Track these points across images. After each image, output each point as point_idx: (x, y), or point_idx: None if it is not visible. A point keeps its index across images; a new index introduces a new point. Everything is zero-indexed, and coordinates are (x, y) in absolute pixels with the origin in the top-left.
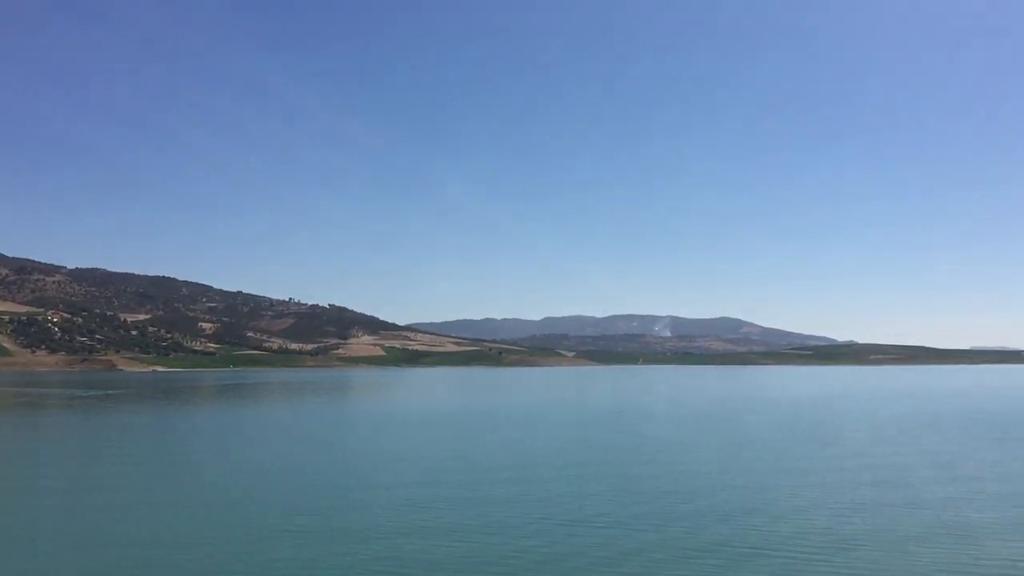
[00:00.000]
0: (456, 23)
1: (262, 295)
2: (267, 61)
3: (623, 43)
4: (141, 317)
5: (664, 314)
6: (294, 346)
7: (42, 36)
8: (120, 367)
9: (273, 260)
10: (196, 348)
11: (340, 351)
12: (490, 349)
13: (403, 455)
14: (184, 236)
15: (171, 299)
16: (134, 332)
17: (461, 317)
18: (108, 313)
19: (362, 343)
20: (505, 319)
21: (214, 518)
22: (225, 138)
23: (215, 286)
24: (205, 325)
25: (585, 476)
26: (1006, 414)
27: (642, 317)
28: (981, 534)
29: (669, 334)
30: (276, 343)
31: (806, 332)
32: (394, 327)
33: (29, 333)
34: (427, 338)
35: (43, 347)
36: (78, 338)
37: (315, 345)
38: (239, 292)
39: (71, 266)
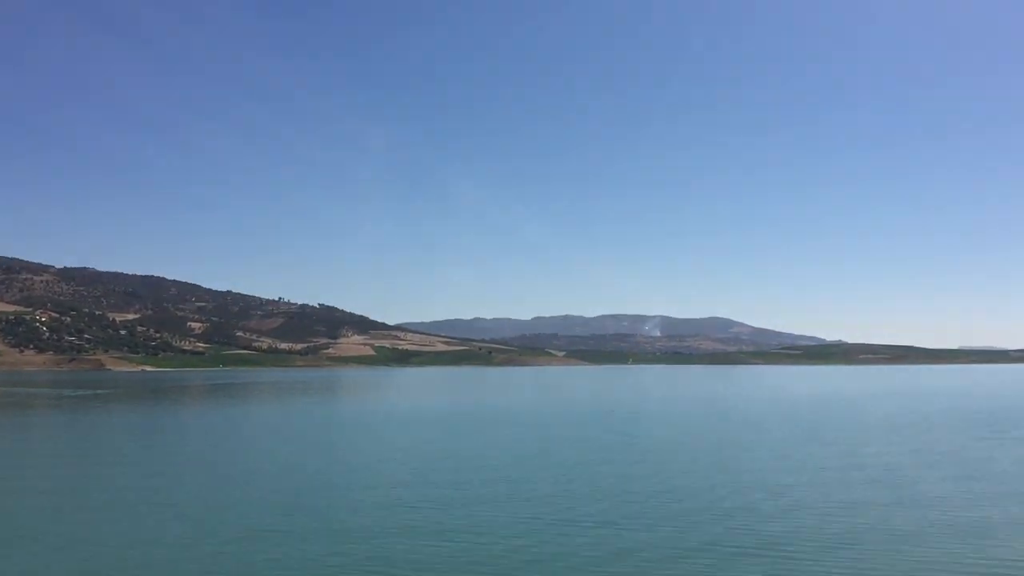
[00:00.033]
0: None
1: (252, 295)
2: (261, 60)
3: (623, 45)
4: (130, 317)
5: (654, 314)
6: (284, 346)
7: (37, 35)
8: (109, 367)
9: (263, 260)
10: (185, 348)
11: (330, 351)
12: (480, 349)
13: (392, 455)
14: (173, 236)
15: (160, 299)
16: (123, 332)
17: (451, 317)
18: (97, 312)
19: (352, 343)
20: (495, 319)
21: (202, 518)
22: (214, 137)
23: (204, 285)
24: (194, 325)
25: (575, 476)
26: (995, 413)
27: (632, 317)
28: (972, 533)
29: (659, 334)
30: (266, 343)
31: (796, 332)
32: (384, 327)
33: (17, 333)
34: (417, 338)
35: (31, 347)
36: (66, 338)
37: (305, 345)
38: (228, 292)
39: (59, 265)
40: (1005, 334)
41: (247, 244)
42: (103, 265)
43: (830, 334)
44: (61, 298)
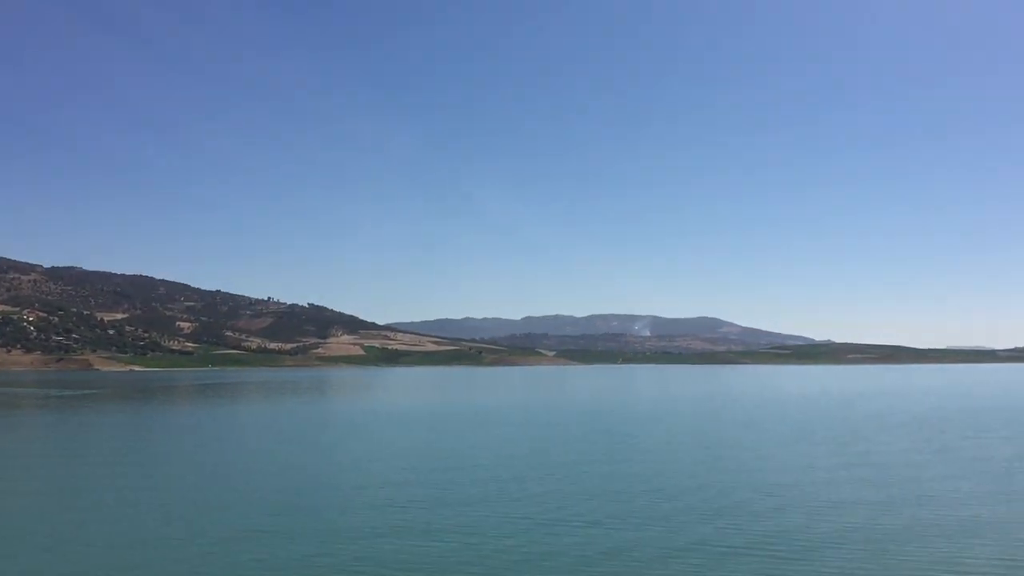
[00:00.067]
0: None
1: (241, 294)
2: (260, 60)
3: (623, 46)
4: (118, 316)
5: (644, 314)
6: (273, 345)
7: (33, 33)
8: (97, 367)
9: (252, 259)
10: (174, 347)
11: (319, 350)
12: (470, 348)
13: (381, 455)
14: (162, 235)
15: (148, 298)
16: (111, 331)
17: (441, 316)
18: (84, 312)
19: (342, 342)
20: (485, 318)
21: (191, 519)
22: (205, 137)
23: (193, 285)
24: (183, 324)
25: (564, 475)
26: (982, 412)
27: (622, 316)
28: (960, 533)
29: (649, 333)
30: (255, 342)
31: (785, 332)
32: (374, 326)
33: (4, 332)
34: (407, 337)
35: (18, 346)
36: (54, 337)
37: (294, 344)
38: (218, 291)
39: (47, 264)
40: (993, 334)
41: (237, 243)
42: (91, 264)
43: (818, 334)
44: (49, 297)
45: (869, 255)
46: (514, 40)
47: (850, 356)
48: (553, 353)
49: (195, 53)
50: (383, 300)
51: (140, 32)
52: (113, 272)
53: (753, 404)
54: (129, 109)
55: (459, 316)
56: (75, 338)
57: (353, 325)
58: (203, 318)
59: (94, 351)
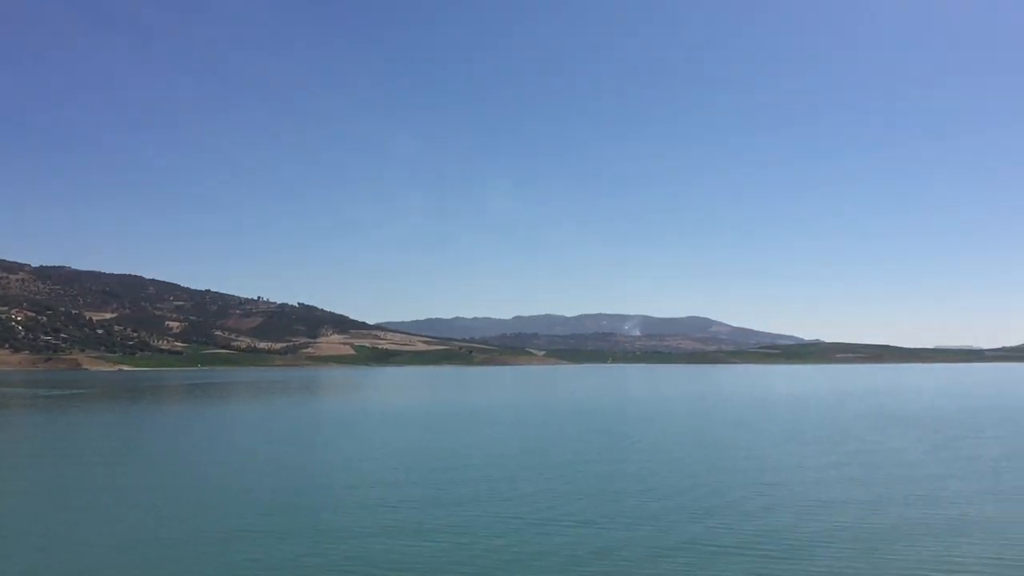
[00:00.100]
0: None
1: (230, 294)
2: (258, 59)
3: (623, 46)
4: (107, 316)
5: (634, 313)
6: (263, 345)
7: (32, 33)
8: (85, 366)
9: (242, 259)
10: (163, 347)
11: (309, 350)
12: (460, 348)
13: (372, 455)
14: (151, 234)
15: (137, 297)
16: (100, 331)
17: (431, 316)
18: (73, 312)
19: (331, 342)
20: (475, 318)
21: (180, 519)
22: (195, 136)
23: (182, 284)
24: (172, 324)
25: (555, 475)
26: (970, 412)
27: (612, 316)
28: (949, 532)
29: (639, 333)
30: (244, 342)
31: (774, 331)
32: (364, 326)
33: None
34: (397, 337)
35: (6, 346)
36: (42, 337)
37: (284, 344)
38: (207, 291)
39: (35, 264)
40: (981, 334)
41: (227, 243)
42: (80, 264)
43: (808, 333)
44: (37, 297)
45: (857, 255)
46: (514, 40)
47: (839, 356)
48: (543, 353)
49: (195, 52)
50: (373, 300)
51: (140, 31)
52: (102, 271)
53: (743, 404)
54: (122, 108)
55: (449, 316)
56: (64, 338)
57: (343, 325)
58: (192, 318)
59: (83, 351)
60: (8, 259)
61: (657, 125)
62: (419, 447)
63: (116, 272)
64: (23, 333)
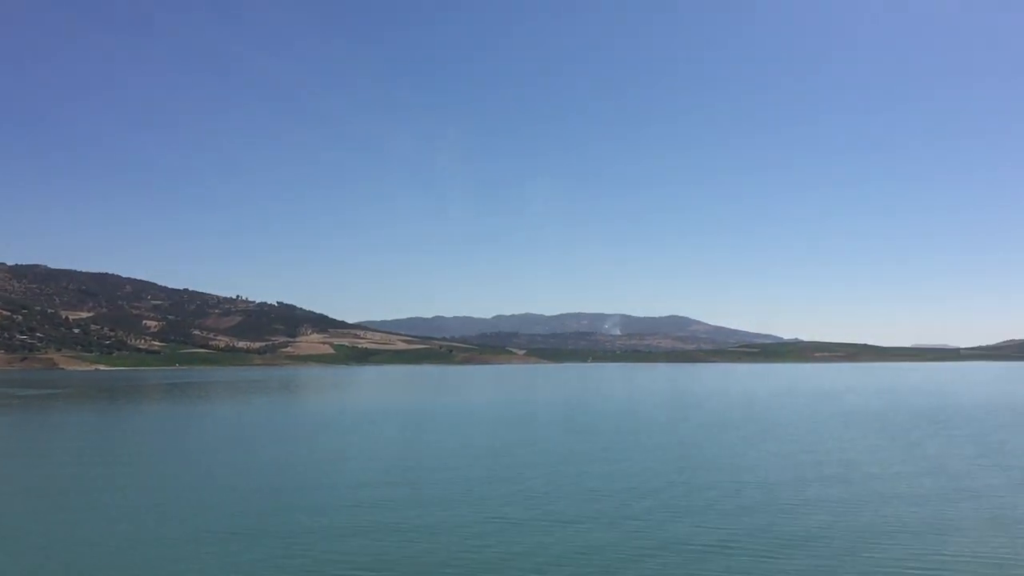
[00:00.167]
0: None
1: (209, 292)
2: (259, 59)
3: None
4: (83, 315)
5: (614, 312)
6: (241, 344)
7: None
8: (62, 366)
9: (220, 257)
10: (140, 346)
11: (289, 349)
12: (440, 347)
13: (351, 455)
14: (128, 233)
15: (114, 296)
16: (76, 330)
17: (411, 315)
18: (49, 311)
19: (311, 341)
20: (455, 317)
21: (158, 520)
22: (184, 133)
23: (160, 283)
24: (149, 323)
25: (535, 475)
26: (945, 410)
27: (592, 315)
28: (926, 530)
29: (619, 332)
30: (223, 341)
31: (753, 330)
32: (343, 325)
33: None
34: (377, 336)
35: None
36: (18, 336)
37: (263, 343)
38: (185, 290)
39: (10, 262)
40: (957, 333)
41: (204, 242)
42: (56, 262)
43: (786, 332)
44: (12, 295)
45: (836, 256)
46: (514, 40)
47: (817, 354)
48: (523, 352)
49: (195, 51)
50: (353, 299)
51: (139, 30)
52: (78, 270)
53: (722, 403)
54: (114, 107)
55: (429, 315)
56: (39, 337)
57: (323, 324)
58: (170, 317)
59: (59, 350)
60: None
61: (657, 125)
62: (399, 447)
63: (92, 271)
64: None
